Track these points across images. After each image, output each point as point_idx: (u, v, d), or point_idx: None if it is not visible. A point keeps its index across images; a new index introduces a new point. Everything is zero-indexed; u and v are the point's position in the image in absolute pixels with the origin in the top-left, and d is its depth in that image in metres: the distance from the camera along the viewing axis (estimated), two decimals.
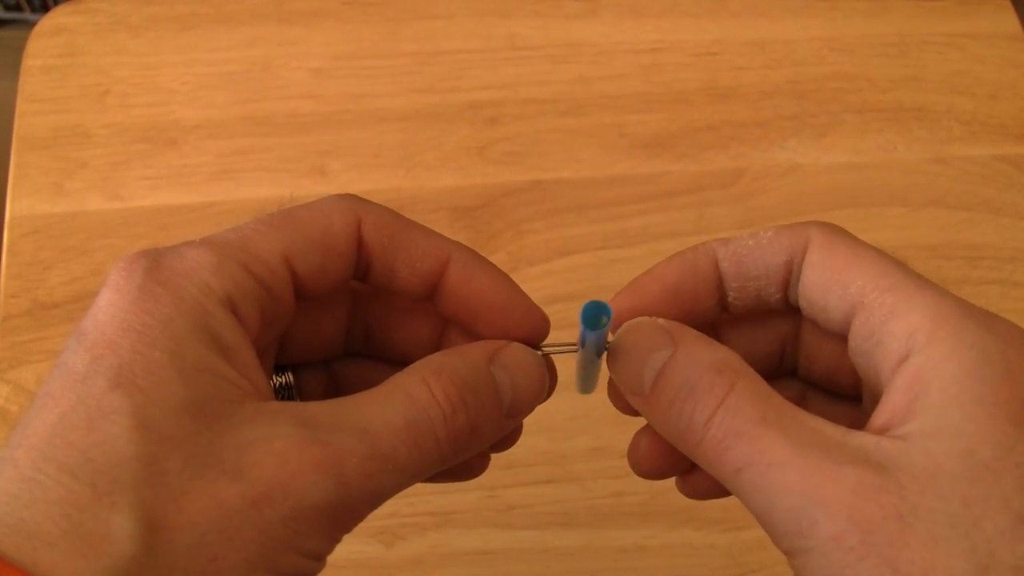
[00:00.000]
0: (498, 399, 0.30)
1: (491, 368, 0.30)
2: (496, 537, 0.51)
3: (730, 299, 0.31)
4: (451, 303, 0.31)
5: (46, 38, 0.65)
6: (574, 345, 0.31)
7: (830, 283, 0.28)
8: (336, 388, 0.35)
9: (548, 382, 0.31)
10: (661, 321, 0.30)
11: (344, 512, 0.26)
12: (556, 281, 0.57)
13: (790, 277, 0.30)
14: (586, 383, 0.32)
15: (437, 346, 0.34)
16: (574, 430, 0.53)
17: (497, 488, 0.52)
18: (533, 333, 0.32)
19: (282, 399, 0.32)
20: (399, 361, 0.33)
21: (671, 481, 0.32)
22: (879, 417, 0.26)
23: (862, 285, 0.28)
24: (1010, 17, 0.69)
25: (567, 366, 0.33)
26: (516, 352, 0.31)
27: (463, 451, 0.29)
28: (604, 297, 0.29)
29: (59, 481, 0.23)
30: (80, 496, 0.23)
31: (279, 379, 0.32)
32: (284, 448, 0.25)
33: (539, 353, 0.31)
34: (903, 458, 0.24)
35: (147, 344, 0.25)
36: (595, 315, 0.29)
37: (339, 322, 0.33)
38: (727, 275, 0.31)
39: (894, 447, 0.25)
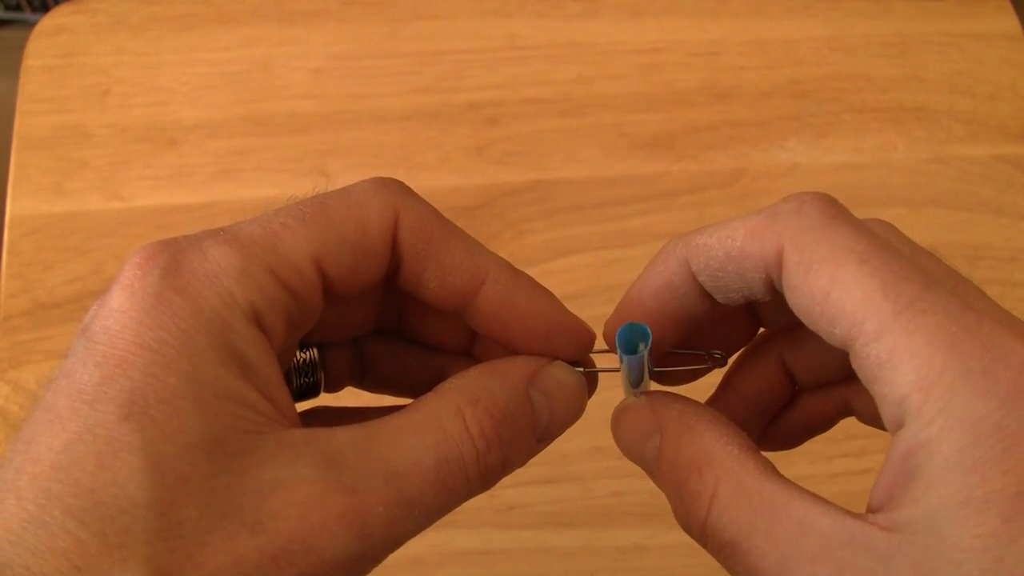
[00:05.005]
0: (534, 427, 0.28)
1: (530, 391, 0.28)
2: (496, 537, 0.51)
3: (721, 301, 0.29)
4: (485, 323, 0.29)
5: (46, 38, 0.65)
6: (616, 366, 0.30)
7: (813, 315, 0.25)
8: (362, 366, 0.33)
9: (586, 403, 0.30)
10: (645, 402, 0.29)
11: (365, 562, 0.25)
12: (556, 281, 0.57)
13: (773, 285, 0.27)
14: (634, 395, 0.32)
15: (472, 339, 0.32)
16: (574, 430, 0.53)
17: (497, 488, 0.52)
18: (577, 352, 0.30)
19: (305, 376, 0.30)
20: (432, 346, 0.32)
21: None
22: (880, 487, 0.25)
23: (846, 329, 0.24)
24: (1010, 17, 0.69)
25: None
26: (558, 374, 0.29)
27: (491, 486, 0.28)
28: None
29: (66, 527, 0.22)
30: (88, 547, 0.22)
31: (303, 355, 0.30)
32: (306, 497, 0.23)
33: (581, 373, 0.30)
34: (891, 562, 0.23)
35: (162, 366, 0.23)
36: (632, 340, 0.28)
37: (370, 310, 0.31)
38: (708, 286, 0.28)
39: (886, 544, 0.23)
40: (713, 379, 0.34)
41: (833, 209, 0.26)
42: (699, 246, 0.28)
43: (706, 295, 0.29)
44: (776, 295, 0.27)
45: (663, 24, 0.67)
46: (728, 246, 0.27)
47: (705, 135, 0.63)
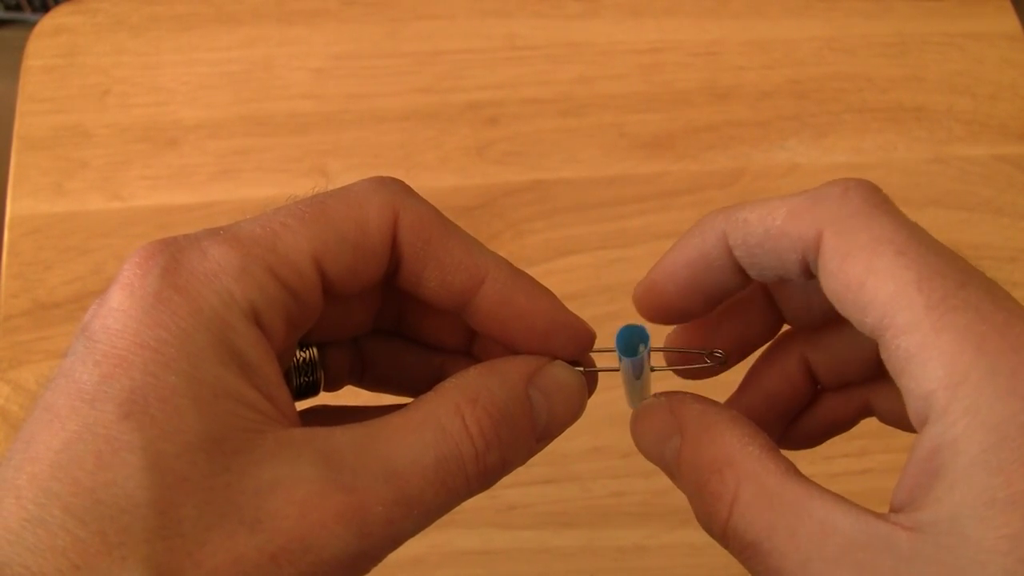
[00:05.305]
0: (533, 427, 0.28)
1: (529, 390, 0.28)
2: (496, 537, 0.51)
3: (754, 277, 0.29)
4: (485, 323, 0.29)
5: (46, 38, 0.65)
6: (615, 366, 0.30)
7: (846, 303, 0.25)
8: (362, 365, 0.33)
9: (585, 403, 0.30)
10: (664, 402, 0.29)
11: (364, 561, 0.25)
12: (556, 281, 0.57)
13: (808, 268, 0.27)
14: (632, 398, 0.32)
15: (472, 337, 0.32)
16: (574, 430, 0.53)
17: (497, 488, 0.52)
18: (577, 351, 0.30)
19: (305, 375, 0.30)
20: (432, 345, 0.32)
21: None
22: (903, 486, 0.25)
23: (878, 319, 0.24)
24: (1010, 17, 0.69)
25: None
26: (557, 374, 0.29)
27: (490, 485, 0.28)
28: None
29: (65, 526, 0.22)
30: (88, 546, 0.22)
31: (303, 355, 0.30)
32: (306, 496, 0.23)
33: (580, 372, 0.30)
34: (914, 564, 0.23)
35: (162, 365, 0.23)
36: (631, 341, 0.28)
37: (370, 308, 0.31)
38: (743, 262, 0.28)
39: (908, 544, 0.23)
40: (734, 377, 0.34)
41: (876, 198, 0.26)
42: (739, 220, 0.28)
43: (739, 270, 0.29)
44: (810, 278, 0.27)
45: (663, 24, 0.67)
46: (768, 224, 0.27)
47: (705, 135, 0.63)
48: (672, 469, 0.29)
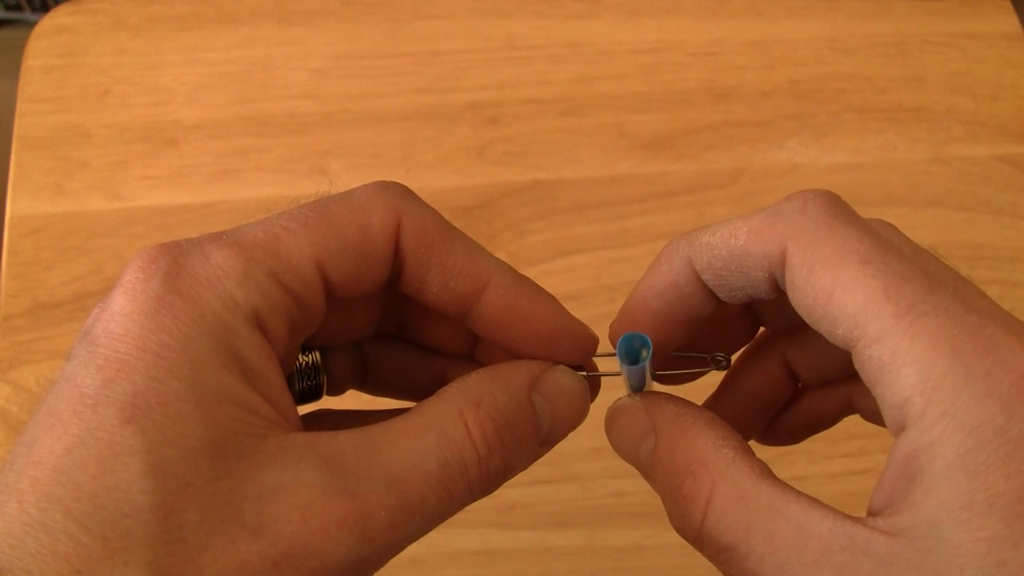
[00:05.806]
0: (536, 431, 0.28)
1: (532, 395, 0.28)
2: (496, 537, 0.52)
3: (724, 299, 0.29)
4: (487, 328, 0.29)
5: (46, 38, 0.65)
6: (618, 370, 0.30)
7: (816, 316, 0.25)
8: (365, 369, 0.33)
9: (588, 407, 0.30)
10: (639, 402, 0.29)
11: (366, 566, 0.25)
12: (556, 281, 0.57)
13: (777, 284, 0.27)
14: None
15: (474, 342, 0.32)
16: (575, 431, 0.53)
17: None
18: (579, 356, 0.30)
19: (308, 379, 0.30)
20: (434, 349, 0.32)
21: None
22: (880, 490, 0.25)
23: (848, 330, 0.24)
24: (1010, 17, 0.69)
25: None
26: (560, 378, 0.29)
27: (492, 490, 0.28)
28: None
29: (67, 531, 0.22)
30: (90, 550, 0.22)
31: (305, 358, 0.30)
32: (308, 501, 0.23)
33: (583, 376, 0.30)
34: (893, 567, 0.23)
35: (164, 370, 0.23)
36: (633, 349, 0.28)
37: (373, 313, 0.31)
38: (711, 285, 0.28)
39: (887, 548, 0.23)
40: (714, 378, 0.34)
41: (836, 208, 0.26)
42: (703, 245, 0.28)
43: (710, 294, 0.29)
44: (779, 294, 0.27)
45: (663, 24, 0.67)
46: (732, 245, 0.27)
47: (705, 135, 0.63)
48: (647, 470, 0.29)
